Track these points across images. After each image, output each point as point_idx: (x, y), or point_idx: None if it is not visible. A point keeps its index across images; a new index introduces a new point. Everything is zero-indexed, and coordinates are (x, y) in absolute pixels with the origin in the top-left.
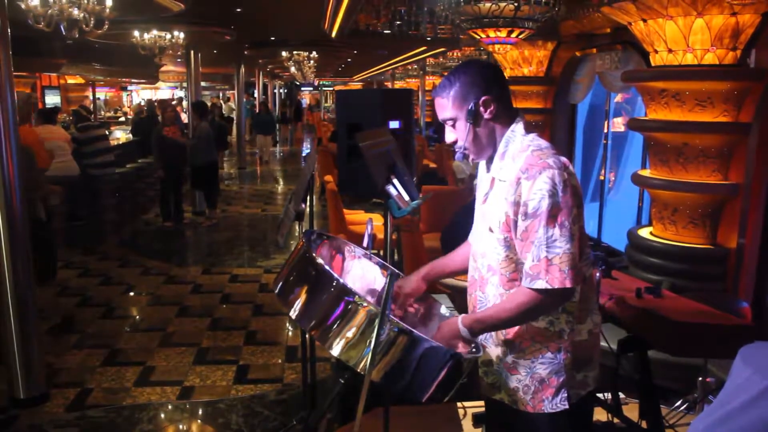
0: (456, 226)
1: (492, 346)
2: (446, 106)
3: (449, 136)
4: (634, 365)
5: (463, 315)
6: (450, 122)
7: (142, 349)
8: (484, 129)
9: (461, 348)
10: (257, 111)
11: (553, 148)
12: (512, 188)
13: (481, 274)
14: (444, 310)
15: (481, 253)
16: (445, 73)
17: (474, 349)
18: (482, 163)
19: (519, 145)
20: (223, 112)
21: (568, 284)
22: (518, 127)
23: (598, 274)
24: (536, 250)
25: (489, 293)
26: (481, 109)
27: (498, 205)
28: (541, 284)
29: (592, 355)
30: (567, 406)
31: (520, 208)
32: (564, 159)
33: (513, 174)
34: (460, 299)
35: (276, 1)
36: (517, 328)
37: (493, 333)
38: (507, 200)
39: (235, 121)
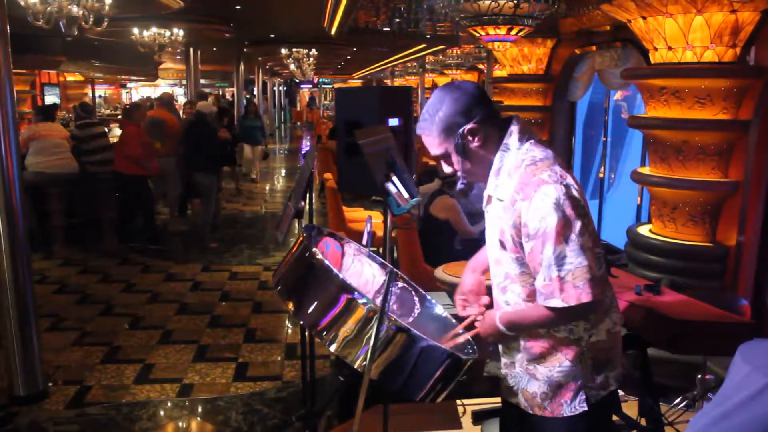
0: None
1: (515, 350)
2: (434, 144)
3: (446, 168)
4: (634, 363)
5: (501, 312)
6: (442, 158)
7: (142, 347)
8: (478, 156)
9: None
10: (244, 114)
11: (550, 155)
12: (510, 210)
13: (498, 280)
14: (440, 309)
15: (495, 260)
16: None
17: (470, 350)
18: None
19: (514, 159)
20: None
21: (584, 299)
22: (512, 139)
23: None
24: (546, 270)
25: (510, 299)
26: (469, 138)
27: (498, 223)
28: (556, 303)
29: (611, 356)
30: (586, 408)
31: (522, 230)
32: (560, 170)
33: (509, 194)
34: None
35: None
36: (537, 335)
37: (517, 337)
38: (507, 223)
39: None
